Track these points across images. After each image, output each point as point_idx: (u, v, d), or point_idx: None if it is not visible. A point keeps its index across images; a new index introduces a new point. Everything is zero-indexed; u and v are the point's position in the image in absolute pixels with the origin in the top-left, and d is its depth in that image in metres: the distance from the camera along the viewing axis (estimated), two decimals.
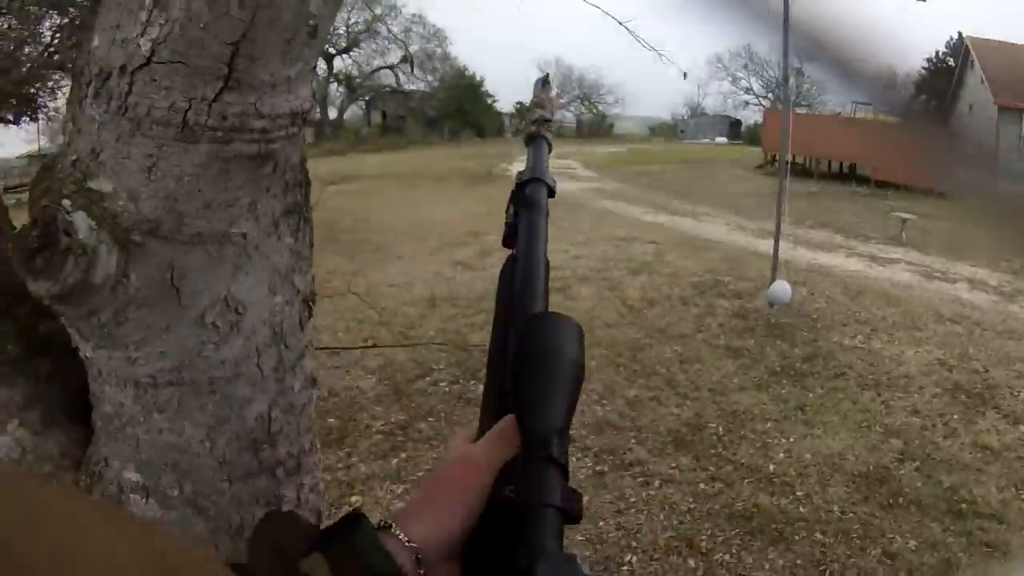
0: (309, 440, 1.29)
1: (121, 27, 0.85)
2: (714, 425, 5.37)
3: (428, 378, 6.12)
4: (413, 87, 50.39)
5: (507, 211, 0.84)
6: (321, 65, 46.91)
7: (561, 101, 58.30)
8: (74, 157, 0.94)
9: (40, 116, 13.78)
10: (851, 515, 4.26)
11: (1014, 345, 7.35)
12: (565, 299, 8.49)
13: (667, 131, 58.93)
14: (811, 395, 5.92)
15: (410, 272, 9.86)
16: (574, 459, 4.84)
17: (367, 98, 51.54)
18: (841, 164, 26.43)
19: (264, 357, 1.14)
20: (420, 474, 4.62)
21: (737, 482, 4.61)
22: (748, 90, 58.25)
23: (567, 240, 11.84)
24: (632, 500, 4.43)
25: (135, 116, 0.88)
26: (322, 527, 0.59)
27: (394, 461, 4.82)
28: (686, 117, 61.47)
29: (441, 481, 0.61)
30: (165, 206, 0.94)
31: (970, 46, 32.46)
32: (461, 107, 47.32)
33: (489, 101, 50.60)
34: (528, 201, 0.84)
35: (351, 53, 48.38)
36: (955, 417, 5.63)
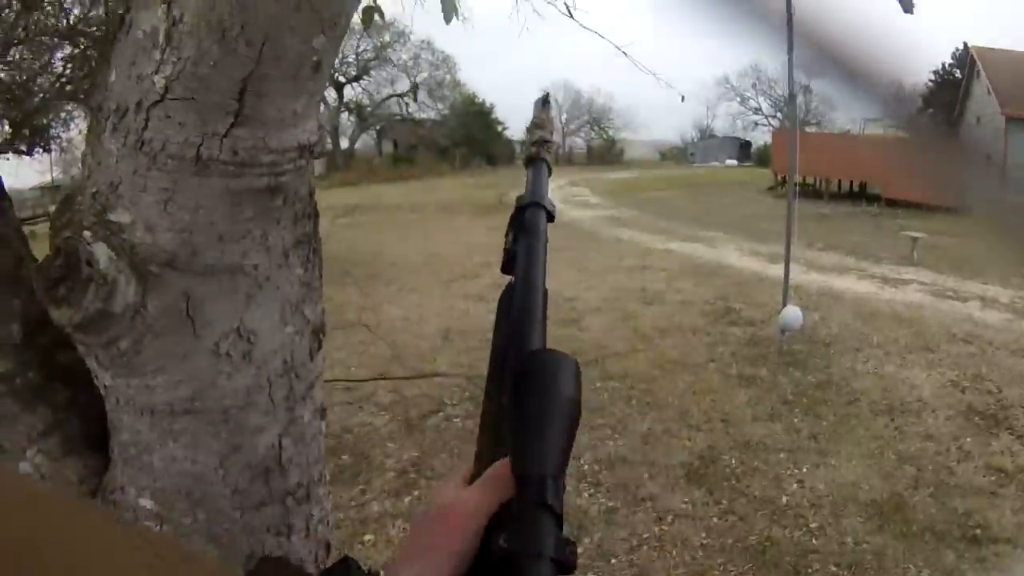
0: (319, 470, 1.31)
1: (136, 64, 0.91)
2: (727, 457, 5.33)
3: (441, 413, 6.11)
4: (424, 115, 50.61)
5: (506, 236, 0.83)
6: (331, 94, 47.18)
7: (571, 127, 58.54)
8: (94, 189, 0.99)
9: (53, 147, 13.94)
10: (865, 545, 4.22)
11: None
12: (577, 330, 8.49)
13: (677, 155, 58.98)
14: (824, 423, 5.88)
15: (423, 305, 9.89)
16: (586, 495, 4.82)
17: (378, 127, 51.86)
18: (851, 183, 26.41)
19: (275, 387, 1.18)
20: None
21: (750, 515, 4.57)
22: (757, 110, 58.29)
23: (579, 270, 11.88)
24: (645, 536, 4.38)
25: (151, 150, 0.93)
26: (316, 572, 0.61)
27: (407, 499, 4.80)
28: (696, 140, 61.50)
29: (431, 528, 0.60)
30: (180, 238, 0.98)
31: (976, 57, 32.32)
32: (471, 134, 47.45)
33: (499, 128, 50.66)
34: (527, 226, 0.82)
35: (361, 81, 48.67)
36: (968, 440, 5.58)
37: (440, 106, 50.78)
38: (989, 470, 5.12)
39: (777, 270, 8.53)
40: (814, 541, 4.28)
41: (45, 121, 11.73)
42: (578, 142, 59.29)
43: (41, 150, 13.58)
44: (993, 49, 27.39)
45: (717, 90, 59.45)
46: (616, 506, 4.74)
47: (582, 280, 11.19)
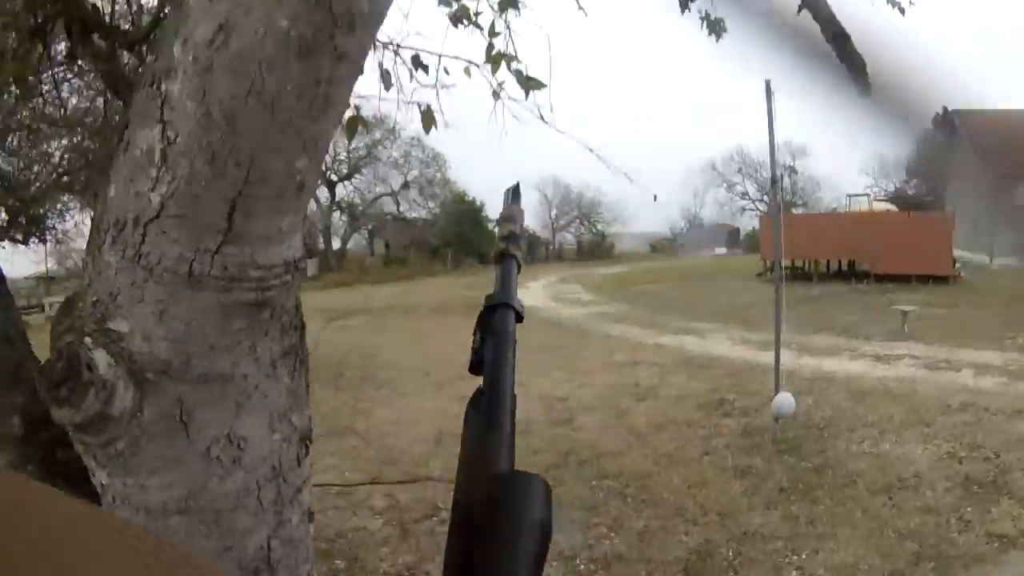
0: (307, 571, 1.37)
1: (134, 181, 1.03)
2: (724, 550, 5.29)
3: (435, 517, 6.05)
4: (415, 214, 51.15)
5: (474, 335, 0.79)
6: (323, 193, 47.80)
7: (560, 223, 59.24)
8: (94, 298, 1.08)
9: (49, 238, 14.10)
10: None
11: None
12: (571, 430, 8.48)
13: (667, 246, 59.40)
14: (821, 507, 5.85)
15: (416, 409, 9.89)
16: None
17: (370, 227, 52.20)
18: (840, 262, 26.68)
19: (264, 490, 1.24)
20: None
21: None
22: (744, 195, 58.88)
23: (571, 369, 11.93)
24: None
25: (148, 264, 1.03)
26: None
27: None
28: (684, 230, 62.05)
29: None
30: (175, 347, 1.07)
31: (956, 120, 33.11)
32: (463, 233, 47.33)
33: (490, 226, 50.97)
34: (495, 329, 0.78)
35: (352, 180, 49.31)
36: (969, 510, 5.59)
37: (431, 204, 51.28)
38: (991, 537, 5.13)
39: (769, 357, 8.59)
40: None
41: (42, 211, 11.95)
42: (568, 237, 59.84)
43: (37, 240, 13.75)
44: (974, 111, 28.10)
45: (704, 177, 60.22)
46: None
47: (574, 379, 11.22)
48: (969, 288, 20.71)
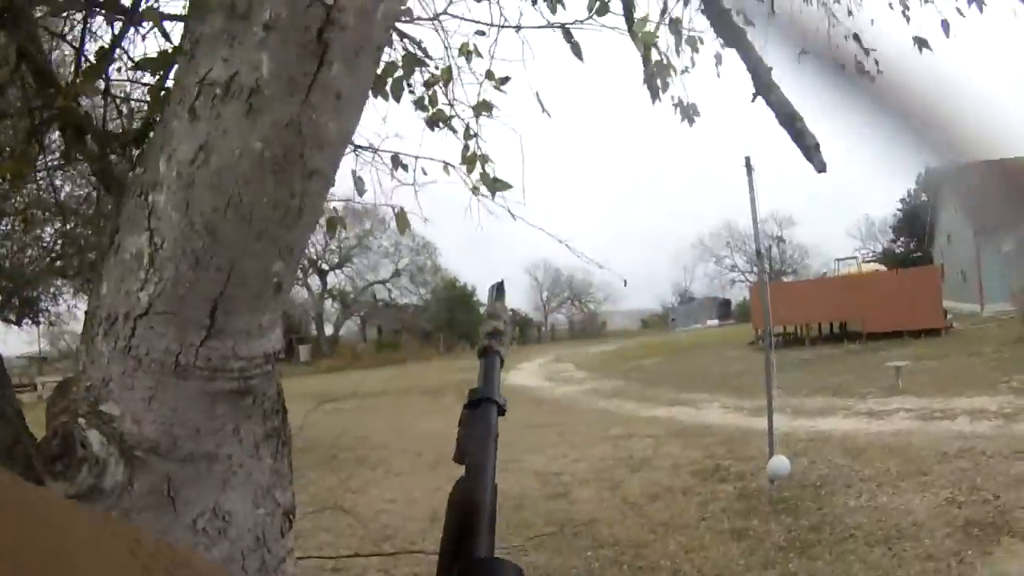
0: None
1: (124, 281, 1.16)
2: None
3: None
4: (406, 301, 51.77)
5: (458, 428, 0.82)
6: (316, 282, 48.52)
7: (552, 305, 59.37)
8: (87, 383, 1.19)
9: (41, 320, 14.09)
10: None
11: (1023, 465, 7.40)
12: (566, 503, 8.47)
13: (659, 321, 59.42)
14: (820, 563, 5.85)
15: (410, 488, 9.85)
16: None
17: (362, 313, 52.63)
18: (831, 325, 26.85)
19: (249, 560, 1.32)
20: None
21: None
22: (733, 267, 59.56)
23: (565, 443, 11.94)
24: None
25: (137, 355, 1.15)
26: None
27: None
28: (676, 305, 62.26)
29: None
30: (163, 429, 1.17)
31: (938, 178, 33.38)
32: (454, 318, 47.60)
33: (481, 310, 50.75)
34: (478, 423, 0.81)
35: (344, 269, 50.10)
36: (970, 552, 5.59)
37: (422, 291, 51.93)
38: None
39: (763, 423, 8.66)
40: None
41: (35, 294, 12.01)
42: (560, 318, 60.03)
43: (30, 321, 13.75)
44: (954, 167, 28.56)
45: (692, 252, 61.26)
46: None
47: (568, 453, 11.22)
48: (961, 338, 20.86)
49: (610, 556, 6.56)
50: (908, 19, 3.90)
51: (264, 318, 1.23)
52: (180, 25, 1.48)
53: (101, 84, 1.96)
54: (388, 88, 3.07)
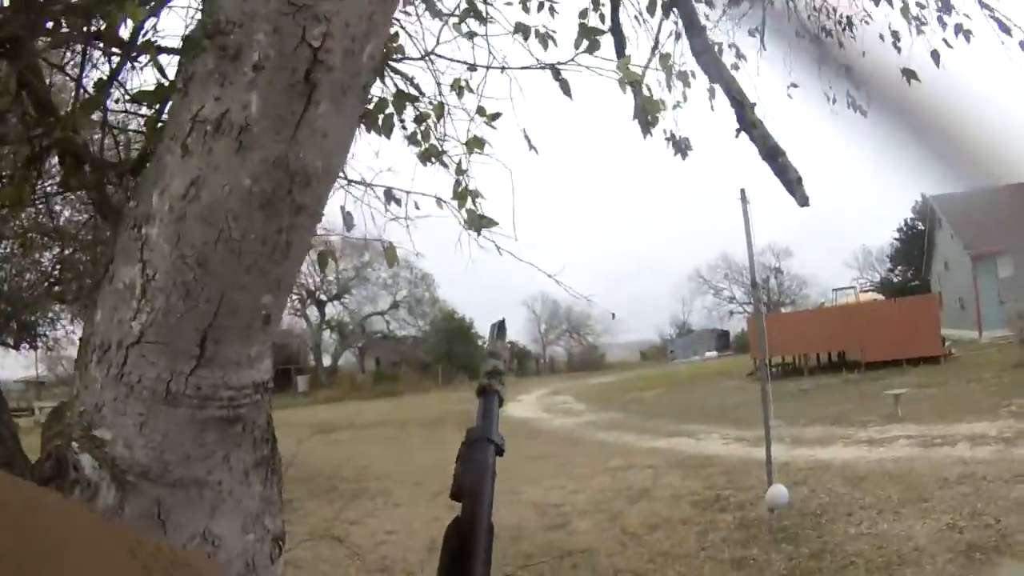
0: None
1: (117, 310, 1.20)
2: None
3: None
4: (405, 332, 51.60)
5: (456, 465, 0.82)
6: (314, 312, 48.54)
7: (550, 337, 59.20)
8: (81, 408, 1.22)
9: (39, 344, 14.02)
10: None
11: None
12: (565, 535, 8.45)
13: (657, 353, 59.26)
14: None
15: (409, 518, 9.83)
16: None
17: (360, 345, 52.39)
18: (830, 354, 26.81)
19: None
20: None
21: None
22: (731, 299, 59.44)
23: (565, 475, 11.89)
24: None
25: (129, 382, 1.18)
26: None
27: None
28: (674, 336, 62.15)
29: None
30: (154, 455, 1.20)
31: (935, 206, 33.76)
32: (453, 349, 47.45)
33: (479, 342, 50.63)
34: (475, 463, 0.81)
35: (342, 300, 49.92)
36: None
37: (421, 323, 51.82)
38: None
39: (762, 453, 8.64)
40: None
41: (32, 318, 11.97)
42: (558, 351, 59.87)
43: (28, 346, 13.69)
44: (950, 195, 28.81)
45: (690, 285, 61.13)
46: None
47: (568, 484, 11.19)
48: (960, 364, 20.85)
49: None
50: (899, 50, 3.99)
51: (253, 349, 1.26)
52: (176, 59, 1.54)
53: (99, 115, 2.01)
54: (379, 123, 3.13)
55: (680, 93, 4.00)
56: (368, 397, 37.53)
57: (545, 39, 3.39)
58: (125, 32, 1.84)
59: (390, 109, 3.14)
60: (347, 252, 41.44)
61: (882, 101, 3.89)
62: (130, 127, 2.49)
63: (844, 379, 22.13)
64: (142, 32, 1.88)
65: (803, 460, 10.86)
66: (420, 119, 3.43)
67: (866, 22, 4.17)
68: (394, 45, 3.01)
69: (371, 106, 3.04)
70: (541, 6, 3.74)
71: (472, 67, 3.48)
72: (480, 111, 3.41)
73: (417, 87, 3.36)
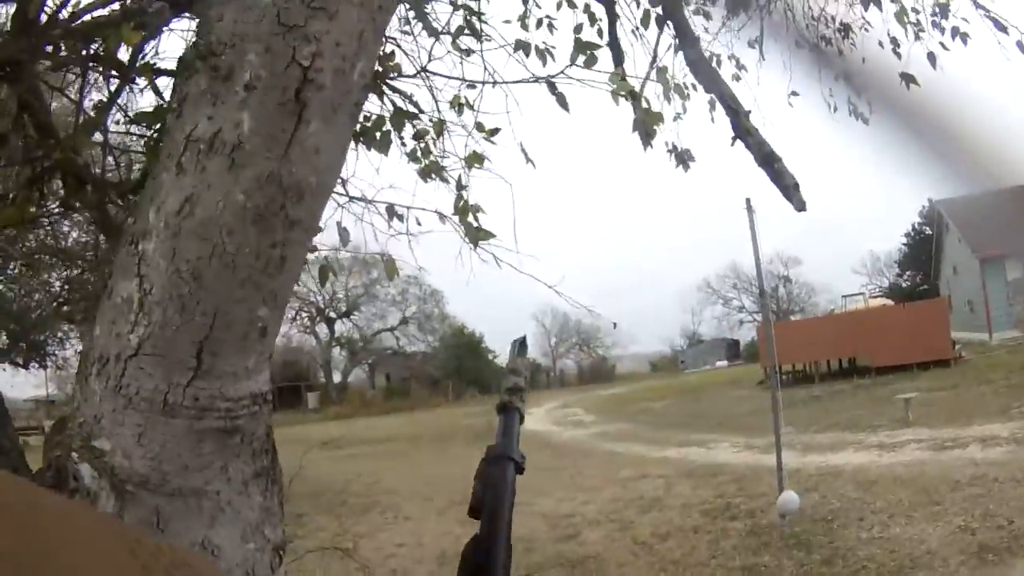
0: None
1: (116, 323, 1.22)
2: None
3: None
4: (414, 348, 51.62)
5: (475, 483, 0.81)
6: (323, 329, 48.80)
7: (560, 351, 59.03)
8: (81, 420, 1.25)
9: (48, 363, 14.08)
10: None
11: None
12: (576, 545, 8.43)
13: (668, 364, 59.04)
14: None
15: (419, 532, 9.85)
16: None
17: (370, 361, 52.55)
18: (840, 361, 26.71)
19: None
20: None
21: None
22: (741, 308, 59.35)
23: (576, 486, 11.88)
24: None
25: (127, 394, 1.21)
26: None
27: None
28: (684, 347, 61.98)
29: None
30: (152, 465, 1.22)
31: (942, 211, 33.66)
32: (463, 365, 47.50)
33: (490, 356, 50.21)
34: (494, 481, 0.80)
35: (352, 317, 50.07)
36: None
37: (430, 338, 51.88)
38: None
39: (773, 460, 8.63)
40: None
41: (41, 338, 12.05)
42: (569, 364, 59.71)
43: (37, 365, 13.77)
44: (957, 199, 28.74)
45: (699, 295, 61.02)
46: None
47: (579, 495, 11.17)
48: (971, 367, 20.73)
49: None
50: (899, 56, 4.01)
51: (250, 360, 1.28)
52: (172, 81, 1.57)
53: (100, 136, 2.05)
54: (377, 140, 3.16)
55: (680, 105, 4.03)
56: (378, 413, 37.56)
57: (544, 55, 3.43)
58: (125, 55, 1.88)
59: (387, 126, 3.17)
60: (356, 269, 41.70)
61: (884, 107, 3.91)
62: (131, 148, 2.54)
63: (855, 385, 22.03)
64: (141, 55, 1.92)
65: (814, 466, 10.82)
66: (419, 136, 3.46)
67: (865, 29, 4.19)
68: (391, 64, 3.05)
69: (369, 123, 3.07)
70: (540, 23, 3.78)
71: (471, 84, 3.51)
72: (479, 127, 3.44)
73: (416, 104, 3.39)
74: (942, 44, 3.92)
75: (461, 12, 3.39)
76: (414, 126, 3.41)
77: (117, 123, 2.45)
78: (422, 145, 3.54)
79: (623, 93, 2.85)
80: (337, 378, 50.90)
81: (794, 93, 4.16)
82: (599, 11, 3.85)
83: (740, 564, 6.95)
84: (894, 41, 4.04)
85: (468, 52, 3.41)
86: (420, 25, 3.33)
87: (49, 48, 1.74)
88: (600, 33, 3.83)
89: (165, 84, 1.87)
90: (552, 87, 3.09)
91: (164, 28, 1.93)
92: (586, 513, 10.00)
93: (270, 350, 1.36)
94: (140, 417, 1.21)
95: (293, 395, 42.94)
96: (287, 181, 1.20)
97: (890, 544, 6.74)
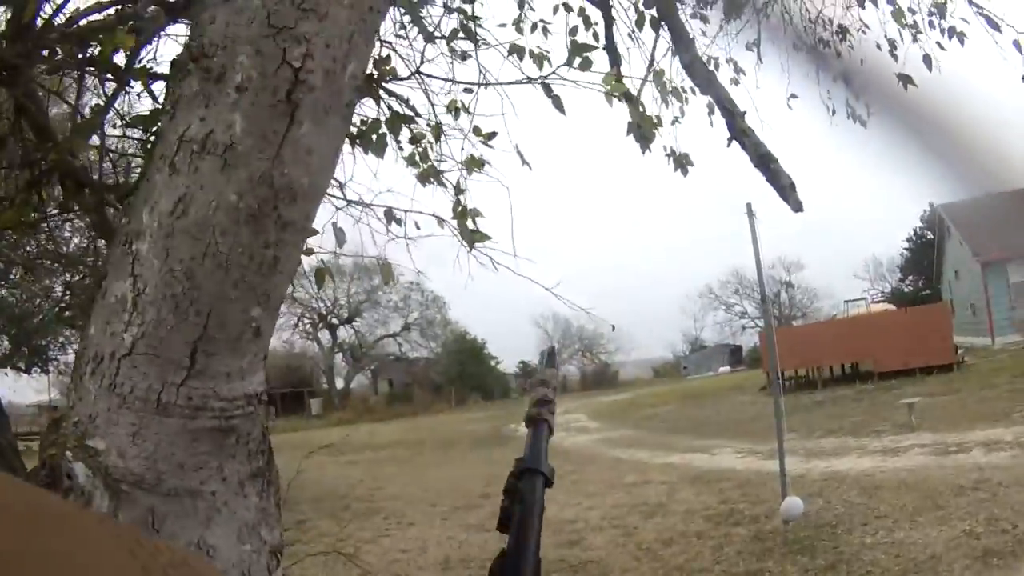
0: None
1: (110, 323, 1.23)
2: None
3: None
4: (417, 354, 51.65)
5: (503, 496, 0.81)
6: (325, 336, 48.95)
7: (563, 356, 58.84)
8: (76, 419, 1.25)
9: (51, 368, 14.07)
10: None
11: None
12: (580, 551, 8.40)
13: (671, 370, 58.94)
14: None
15: (423, 537, 9.83)
16: None
17: (373, 367, 52.59)
18: (843, 366, 26.65)
19: None
20: None
21: None
22: (743, 314, 59.21)
23: (579, 492, 11.80)
24: None
25: (122, 393, 1.21)
26: None
27: None
28: (687, 353, 61.88)
29: None
30: (147, 464, 1.22)
31: (943, 214, 33.60)
32: (465, 371, 47.45)
33: (492, 363, 50.54)
34: (523, 495, 0.80)
35: (354, 323, 50.06)
36: None
37: (433, 344, 51.84)
38: None
39: (776, 466, 8.61)
40: None
41: (43, 343, 12.05)
42: (571, 370, 59.55)
43: (39, 370, 13.76)
44: (958, 203, 28.71)
45: (702, 301, 60.91)
46: None
47: (583, 501, 11.12)
48: (973, 371, 20.69)
49: None
50: (896, 58, 4.01)
51: (244, 361, 1.29)
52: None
53: (96, 139, 2.06)
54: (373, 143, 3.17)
55: (678, 109, 4.04)
56: (381, 419, 37.52)
57: (540, 59, 3.44)
58: (121, 59, 1.89)
59: (383, 129, 3.18)
60: (357, 275, 41.68)
61: (883, 108, 3.92)
62: (128, 152, 2.55)
63: (858, 390, 21.98)
64: (137, 59, 1.93)
65: (817, 472, 10.79)
66: (415, 140, 3.47)
67: (863, 32, 4.20)
68: (386, 68, 3.06)
69: (365, 127, 3.08)
70: (535, 27, 3.79)
71: (467, 89, 3.52)
72: (476, 131, 3.45)
73: (412, 108, 3.40)
74: (939, 44, 3.93)
75: (456, 16, 3.41)
76: (411, 130, 3.41)
77: (114, 127, 2.47)
78: (420, 149, 3.55)
79: (617, 95, 2.86)
80: (340, 384, 50.93)
81: (793, 96, 4.17)
82: (594, 15, 3.86)
83: (744, 570, 6.92)
84: (891, 43, 4.05)
85: (464, 56, 3.42)
86: (416, 29, 3.35)
87: (45, 52, 1.76)
88: (596, 37, 3.84)
89: (161, 88, 1.88)
90: (548, 89, 3.10)
91: (160, 32, 1.94)
92: (589, 518, 9.96)
93: (264, 351, 1.37)
94: (134, 416, 1.22)
95: (296, 401, 43.01)
96: (279, 182, 1.21)
97: (894, 549, 6.72)
